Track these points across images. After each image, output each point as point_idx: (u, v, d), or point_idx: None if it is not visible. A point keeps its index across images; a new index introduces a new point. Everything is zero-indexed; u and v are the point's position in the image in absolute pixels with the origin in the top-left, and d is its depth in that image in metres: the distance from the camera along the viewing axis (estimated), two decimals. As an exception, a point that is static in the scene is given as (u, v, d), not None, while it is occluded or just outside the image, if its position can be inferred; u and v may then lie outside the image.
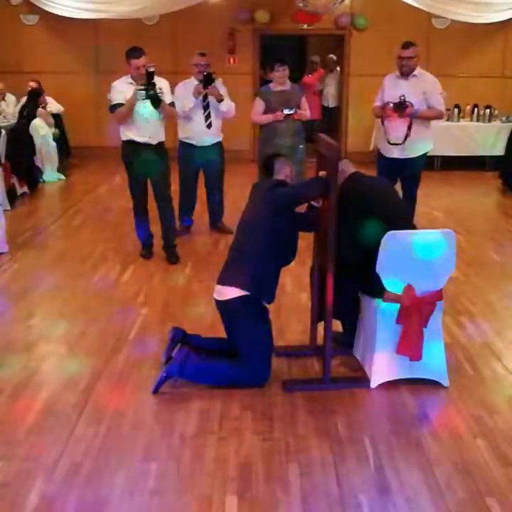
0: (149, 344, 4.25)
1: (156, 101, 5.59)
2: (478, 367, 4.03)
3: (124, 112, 5.65)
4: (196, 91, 6.29)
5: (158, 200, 6.03)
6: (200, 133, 6.49)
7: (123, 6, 10.40)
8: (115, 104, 5.71)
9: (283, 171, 3.91)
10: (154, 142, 5.81)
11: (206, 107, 6.45)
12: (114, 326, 4.55)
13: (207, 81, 6.25)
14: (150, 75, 5.53)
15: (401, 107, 5.82)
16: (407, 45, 5.97)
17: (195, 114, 6.44)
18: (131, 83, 5.68)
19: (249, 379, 3.69)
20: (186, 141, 6.61)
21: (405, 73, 5.97)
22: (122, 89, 5.69)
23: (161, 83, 5.69)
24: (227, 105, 6.47)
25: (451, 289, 4.93)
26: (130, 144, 5.80)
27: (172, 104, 5.89)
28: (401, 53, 5.96)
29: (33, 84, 9.87)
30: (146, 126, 5.73)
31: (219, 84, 6.43)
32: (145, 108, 5.65)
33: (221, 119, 6.60)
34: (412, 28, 10.75)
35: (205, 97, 6.39)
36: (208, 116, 6.47)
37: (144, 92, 5.54)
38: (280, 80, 6.58)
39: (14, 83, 10.33)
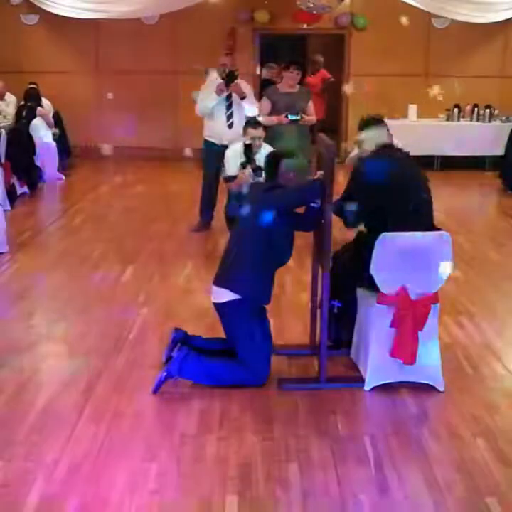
0: (149, 344, 4.25)
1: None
2: (478, 367, 4.03)
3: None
4: (218, 88, 6.41)
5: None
6: (221, 132, 6.58)
7: (123, 6, 10.40)
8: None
9: (284, 176, 3.71)
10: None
11: (229, 107, 6.52)
12: (114, 326, 4.54)
13: (229, 78, 6.40)
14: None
15: None
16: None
17: (218, 112, 6.56)
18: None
19: (249, 379, 3.68)
20: (209, 139, 6.75)
21: None
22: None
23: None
24: (250, 103, 6.60)
25: (451, 289, 4.93)
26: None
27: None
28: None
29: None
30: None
31: (243, 83, 6.60)
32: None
33: (244, 120, 6.64)
34: (412, 28, 10.76)
35: (228, 97, 6.49)
36: (230, 116, 6.55)
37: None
38: (290, 81, 6.67)
39: (14, 83, 10.30)
